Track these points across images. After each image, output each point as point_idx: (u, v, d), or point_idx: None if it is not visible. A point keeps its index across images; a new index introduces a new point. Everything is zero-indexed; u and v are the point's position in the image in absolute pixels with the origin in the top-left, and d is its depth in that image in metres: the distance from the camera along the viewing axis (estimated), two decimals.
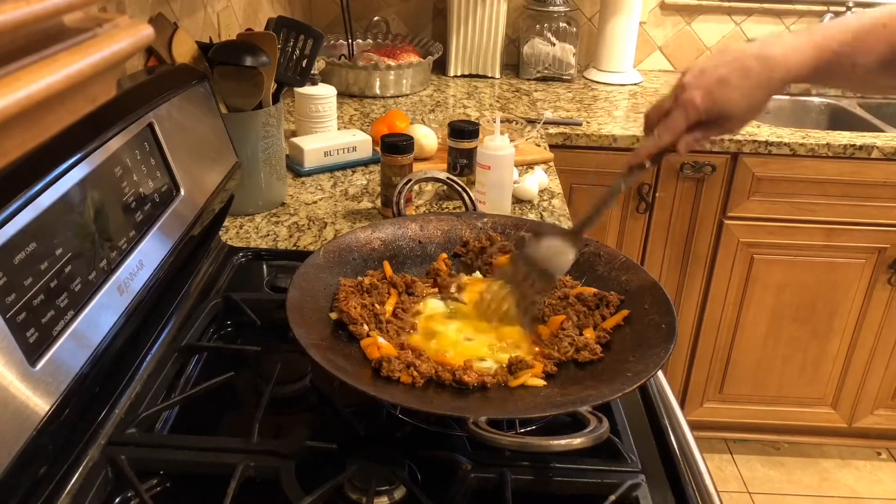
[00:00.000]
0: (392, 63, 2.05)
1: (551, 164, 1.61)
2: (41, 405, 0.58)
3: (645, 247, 2.02)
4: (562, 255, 0.87)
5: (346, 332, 0.80)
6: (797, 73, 0.77)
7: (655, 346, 0.75)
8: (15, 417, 0.55)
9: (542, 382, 0.75)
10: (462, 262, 0.97)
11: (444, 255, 0.96)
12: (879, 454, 2.33)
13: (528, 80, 2.31)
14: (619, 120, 1.97)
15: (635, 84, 2.31)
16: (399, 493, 0.68)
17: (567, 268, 0.87)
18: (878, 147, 1.83)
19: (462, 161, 1.38)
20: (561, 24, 2.26)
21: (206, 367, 0.89)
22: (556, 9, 2.25)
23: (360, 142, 1.53)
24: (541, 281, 0.86)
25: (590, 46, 2.39)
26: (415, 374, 0.73)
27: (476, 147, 1.35)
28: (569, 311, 0.86)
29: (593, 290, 0.88)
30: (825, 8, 2.30)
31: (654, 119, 0.83)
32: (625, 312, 0.83)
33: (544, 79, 2.31)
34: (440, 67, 2.31)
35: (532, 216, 1.35)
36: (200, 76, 0.99)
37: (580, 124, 1.90)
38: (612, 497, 0.69)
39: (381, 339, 0.77)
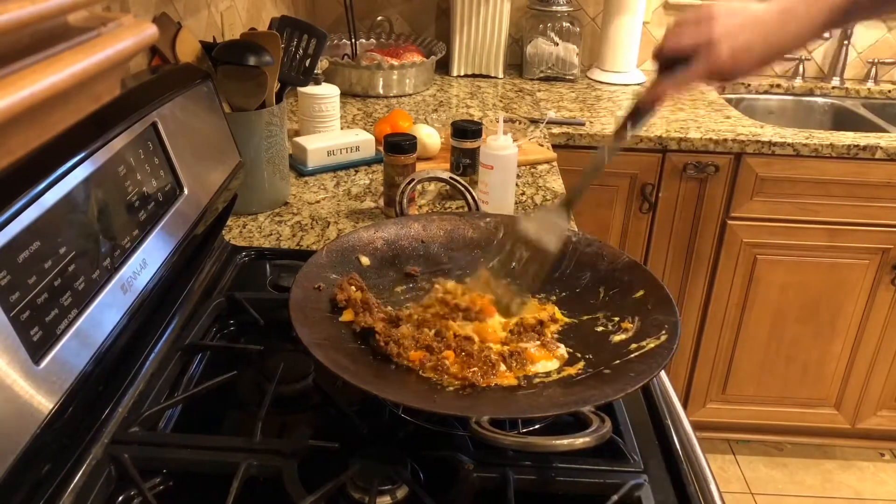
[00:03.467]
0: (395, 63, 2.05)
1: (554, 163, 1.61)
2: (44, 403, 0.58)
3: (648, 247, 2.02)
4: (554, 228, 0.86)
5: (350, 331, 0.80)
6: (807, 44, 0.82)
7: (658, 346, 0.75)
8: (18, 416, 0.55)
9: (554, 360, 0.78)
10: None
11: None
12: (883, 455, 2.32)
13: (532, 79, 2.31)
14: None
15: (639, 84, 2.30)
16: (401, 493, 0.68)
17: (561, 241, 0.87)
18: (881, 147, 1.82)
19: (465, 161, 1.38)
20: (564, 24, 2.26)
21: (209, 366, 0.89)
22: (559, 9, 2.25)
23: (363, 141, 1.54)
24: (535, 260, 0.86)
25: (593, 46, 2.39)
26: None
27: (479, 147, 1.35)
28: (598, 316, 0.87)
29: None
30: None
31: (671, 58, 0.82)
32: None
33: (547, 79, 2.31)
34: (443, 67, 2.31)
35: None
36: (204, 76, 0.99)
37: (583, 124, 1.90)
38: (615, 497, 0.69)
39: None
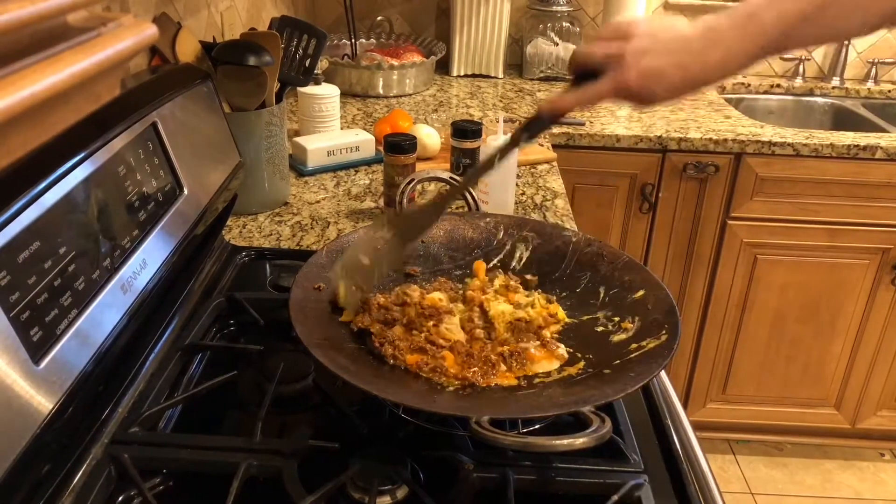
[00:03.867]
0: (395, 63, 2.05)
1: (554, 163, 1.61)
2: (44, 403, 0.58)
3: (648, 247, 2.02)
4: (424, 225, 0.85)
5: (349, 331, 0.80)
6: (729, 77, 0.75)
7: (658, 346, 0.75)
8: (18, 416, 0.55)
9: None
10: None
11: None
12: (883, 455, 2.32)
13: (532, 79, 2.31)
14: (623, 120, 1.97)
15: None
16: (401, 493, 0.68)
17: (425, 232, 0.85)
18: (881, 147, 1.82)
19: (465, 161, 1.38)
20: (564, 24, 2.26)
21: (209, 367, 0.89)
22: (559, 9, 2.25)
23: (363, 141, 1.54)
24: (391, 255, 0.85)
25: None
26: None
27: (479, 147, 1.35)
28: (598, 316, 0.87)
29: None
30: None
31: (581, 69, 0.77)
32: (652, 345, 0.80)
33: (547, 79, 2.31)
34: (443, 67, 2.31)
35: (535, 216, 1.35)
36: (204, 76, 0.99)
37: (583, 124, 1.90)
38: (615, 497, 0.69)
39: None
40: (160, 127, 0.84)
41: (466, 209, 1.08)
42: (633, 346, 0.78)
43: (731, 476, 2.24)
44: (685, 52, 0.73)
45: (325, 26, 2.23)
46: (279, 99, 1.29)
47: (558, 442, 0.61)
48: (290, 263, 1.12)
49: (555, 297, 0.91)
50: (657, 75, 0.73)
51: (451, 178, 1.08)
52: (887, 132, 2.01)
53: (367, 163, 1.54)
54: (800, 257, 1.97)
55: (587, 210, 1.93)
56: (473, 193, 1.08)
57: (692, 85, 0.74)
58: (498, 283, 0.91)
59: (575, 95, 0.77)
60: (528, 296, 0.90)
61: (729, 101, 2.22)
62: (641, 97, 0.75)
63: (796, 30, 0.70)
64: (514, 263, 0.97)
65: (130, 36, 0.56)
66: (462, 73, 2.32)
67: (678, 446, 0.77)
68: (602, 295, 0.89)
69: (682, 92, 0.75)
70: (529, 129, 0.79)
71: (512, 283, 0.92)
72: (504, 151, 0.80)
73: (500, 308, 0.85)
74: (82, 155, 0.67)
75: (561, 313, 0.88)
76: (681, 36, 0.73)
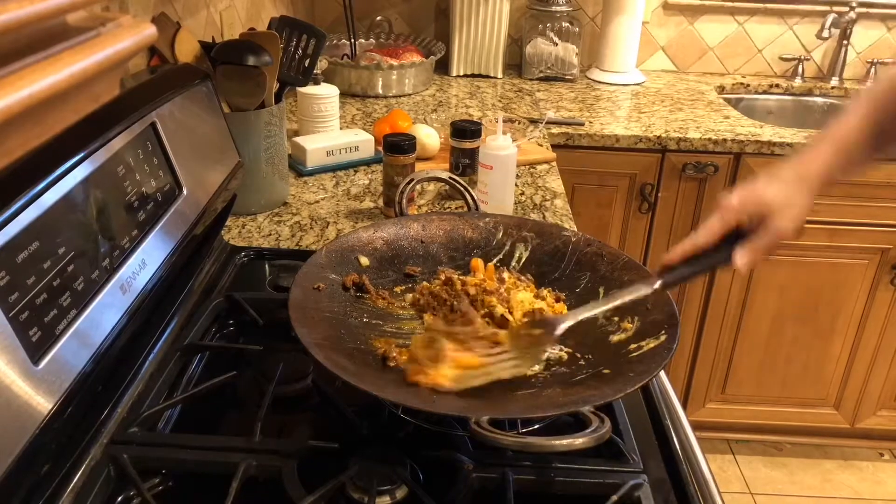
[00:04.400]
0: (394, 63, 2.05)
1: (554, 163, 1.61)
2: (44, 404, 0.58)
3: (647, 247, 2.02)
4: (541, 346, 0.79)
5: (349, 332, 0.80)
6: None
7: (657, 346, 0.75)
8: (17, 416, 0.55)
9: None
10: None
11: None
12: (882, 455, 2.33)
13: (531, 79, 2.31)
14: (622, 120, 1.97)
15: (638, 84, 2.30)
16: (401, 493, 0.68)
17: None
18: None
19: (464, 161, 1.38)
20: (563, 24, 2.26)
21: (208, 367, 0.89)
22: (558, 8, 2.25)
23: (362, 141, 1.53)
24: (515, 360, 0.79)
25: (592, 46, 2.39)
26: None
27: (478, 147, 1.35)
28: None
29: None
30: (828, 8, 2.29)
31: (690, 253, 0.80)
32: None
33: (547, 78, 2.31)
34: (442, 67, 2.31)
35: (535, 216, 1.35)
36: (203, 76, 0.99)
37: (583, 124, 1.90)
38: (614, 497, 0.69)
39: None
40: (159, 127, 0.84)
41: (466, 209, 1.08)
42: (633, 346, 0.78)
43: (731, 476, 2.24)
44: (808, 185, 0.80)
45: (324, 26, 2.23)
46: (278, 99, 1.29)
47: (558, 442, 0.61)
48: (290, 263, 1.12)
49: (563, 295, 0.91)
50: (755, 183, 0.79)
51: (450, 177, 1.08)
52: None
53: (367, 163, 1.54)
54: (799, 257, 1.97)
55: (586, 210, 1.93)
56: (473, 193, 1.08)
57: (798, 184, 0.80)
58: (508, 277, 0.91)
59: (750, 254, 0.78)
60: (538, 294, 0.90)
61: (728, 101, 2.23)
62: (758, 206, 0.78)
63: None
64: (513, 263, 0.97)
65: (129, 36, 0.56)
66: (461, 73, 2.32)
67: (677, 446, 0.77)
68: (601, 295, 0.89)
69: (792, 189, 0.80)
70: (668, 283, 0.79)
71: (522, 278, 0.92)
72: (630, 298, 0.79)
73: (520, 297, 0.85)
74: (81, 155, 0.67)
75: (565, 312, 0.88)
76: (798, 175, 0.80)
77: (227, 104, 1.21)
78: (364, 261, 0.92)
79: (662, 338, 0.76)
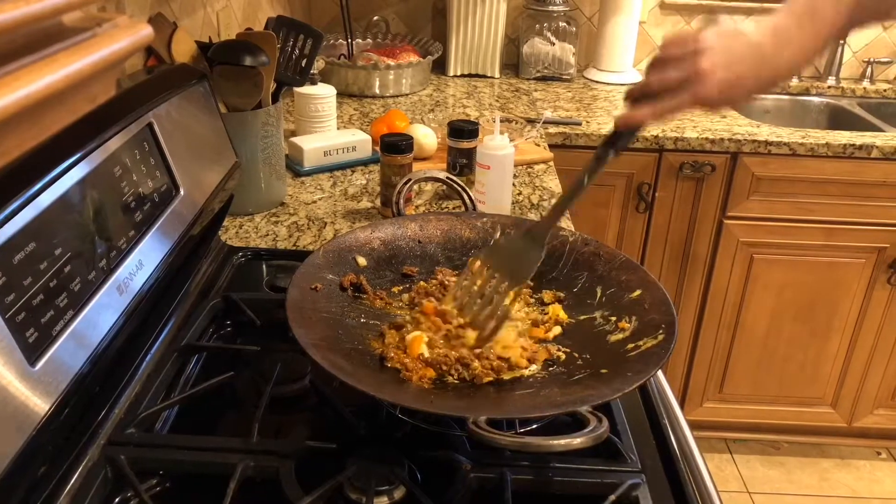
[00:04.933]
0: (392, 63, 2.05)
1: (551, 163, 1.61)
2: (41, 405, 0.58)
3: (644, 246, 2.02)
4: (527, 254, 0.82)
5: (347, 332, 0.80)
6: (801, 70, 0.79)
7: (655, 345, 0.75)
8: (14, 417, 0.55)
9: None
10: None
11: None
12: (879, 454, 2.33)
13: (528, 79, 2.31)
14: None
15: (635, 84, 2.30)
16: (399, 493, 0.68)
17: (534, 269, 0.83)
18: (877, 147, 1.83)
19: (462, 161, 1.38)
20: (560, 24, 2.26)
21: (205, 367, 0.89)
22: (555, 8, 2.25)
23: (359, 141, 1.53)
24: (509, 282, 0.82)
25: (589, 46, 2.39)
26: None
27: (475, 147, 1.35)
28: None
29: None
30: None
31: (656, 88, 0.77)
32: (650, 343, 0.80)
33: (544, 78, 2.31)
34: (440, 67, 2.31)
35: (532, 216, 1.35)
36: (200, 76, 0.99)
37: (580, 124, 1.90)
38: (612, 497, 0.69)
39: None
40: (156, 127, 0.83)
41: (463, 209, 1.08)
42: (630, 345, 0.78)
43: (728, 475, 2.24)
44: (759, 57, 0.76)
45: (321, 26, 2.23)
46: (275, 99, 1.28)
47: (556, 442, 0.61)
48: (287, 264, 1.12)
49: (563, 294, 0.91)
50: (735, 85, 0.76)
51: (447, 177, 1.08)
52: (883, 131, 2.02)
53: (364, 163, 1.54)
54: (796, 256, 1.97)
55: (584, 210, 1.93)
56: (470, 193, 1.08)
57: (767, 85, 0.77)
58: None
59: (651, 110, 0.77)
60: (542, 311, 0.89)
61: None
62: (720, 104, 0.79)
63: (854, 15, 0.75)
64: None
65: (126, 36, 0.56)
66: (458, 73, 2.32)
67: (675, 446, 0.77)
68: (599, 295, 0.89)
69: (757, 93, 0.78)
70: (614, 145, 0.79)
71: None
72: (592, 171, 0.80)
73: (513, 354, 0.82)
74: (78, 156, 0.66)
75: (562, 314, 0.88)
76: (751, 42, 0.76)
77: (224, 104, 1.21)
78: (361, 261, 0.92)
79: (660, 337, 0.76)
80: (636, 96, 0.79)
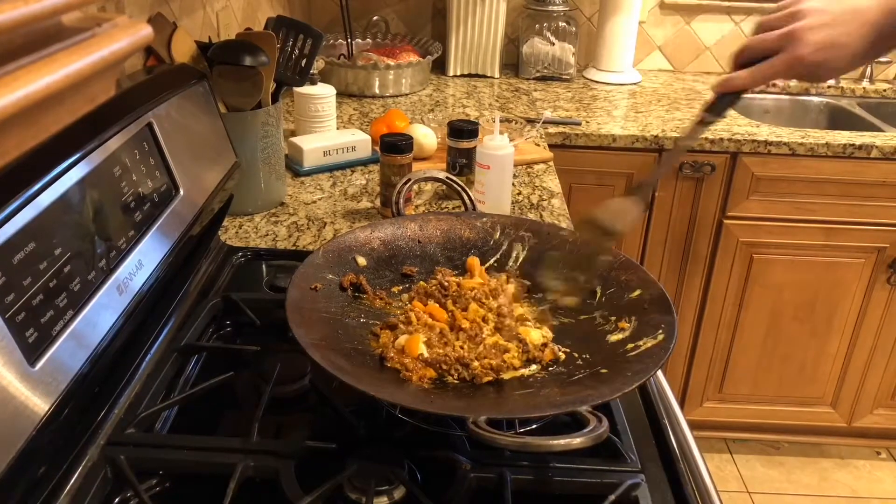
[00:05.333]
0: (391, 63, 2.05)
1: (551, 163, 1.61)
2: (40, 405, 0.58)
3: (644, 246, 2.02)
4: (626, 213, 0.86)
5: (346, 332, 0.80)
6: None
7: (655, 345, 0.75)
8: (14, 417, 0.55)
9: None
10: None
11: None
12: (879, 454, 2.33)
13: (528, 79, 2.31)
14: (619, 119, 1.97)
15: (635, 84, 2.31)
16: (399, 493, 0.68)
17: (633, 225, 0.86)
18: (877, 146, 1.83)
19: (461, 161, 1.38)
20: (560, 24, 2.26)
21: (205, 367, 0.89)
22: (555, 8, 2.25)
23: (359, 141, 1.53)
24: (604, 243, 0.86)
25: (589, 46, 2.39)
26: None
27: (475, 147, 1.35)
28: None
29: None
30: None
31: (756, 50, 0.78)
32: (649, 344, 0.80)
33: (543, 78, 2.31)
34: (439, 67, 2.31)
35: (532, 216, 1.35)
36: (199, 76, 0.99)
37: (579, 124, 1.90)
38: (612, 497, 0.69)
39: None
40: (156, 127, 0.83)
41: (463, 209, 1.08)
42: (630, 345, 0.78)
43: (728, 475, 2.24)
44: (861, 22, 0.75)
45: (321, 26, 2.23)
46: (275, 99, 1.28)
47: (555, 442, 0.61)
48: (287, 264, 1.12)
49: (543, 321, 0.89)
50: (834, 47, 0.75)
51: (447, 177, 1.08)
52: (882, 131, 2.02)
53: (364, 163, 1.54)
54: (796, 256, 1.97)
55: (584, 210, 1.92)
56: (470, 193, 1.08)
57: (872, 50, 0.76)
58: (511, 288, 0.91)
59: (749, 73, 0.78)
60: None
61: None
62: (816, 70, 0.77)
63: None
64: (510, 263, 0.97)
65: (125, 36, 0.56)
66: (458, 73, 2.32)
67: (675, 445, 0.77)
68: (599, 294, 0.89)
69: (862, 58, 0.77)
70: (712, 110, 0.81)
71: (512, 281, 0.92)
72: (691, 136, 0.84)
73: (533, 335, 0.83)
74: (78, 156, 0.66)
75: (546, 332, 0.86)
76: (853, 8, 0.75)
77: (224, 104, 1.21)
78: (361, 261, 0.92)
79: (660, 337, 0.76)
80: (739, 61, 0.80)
